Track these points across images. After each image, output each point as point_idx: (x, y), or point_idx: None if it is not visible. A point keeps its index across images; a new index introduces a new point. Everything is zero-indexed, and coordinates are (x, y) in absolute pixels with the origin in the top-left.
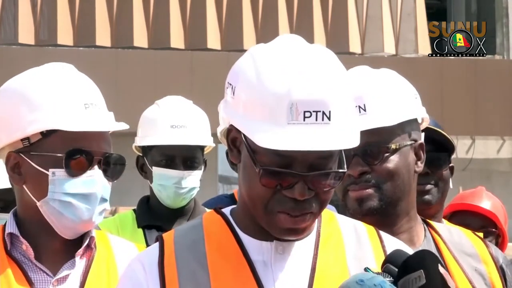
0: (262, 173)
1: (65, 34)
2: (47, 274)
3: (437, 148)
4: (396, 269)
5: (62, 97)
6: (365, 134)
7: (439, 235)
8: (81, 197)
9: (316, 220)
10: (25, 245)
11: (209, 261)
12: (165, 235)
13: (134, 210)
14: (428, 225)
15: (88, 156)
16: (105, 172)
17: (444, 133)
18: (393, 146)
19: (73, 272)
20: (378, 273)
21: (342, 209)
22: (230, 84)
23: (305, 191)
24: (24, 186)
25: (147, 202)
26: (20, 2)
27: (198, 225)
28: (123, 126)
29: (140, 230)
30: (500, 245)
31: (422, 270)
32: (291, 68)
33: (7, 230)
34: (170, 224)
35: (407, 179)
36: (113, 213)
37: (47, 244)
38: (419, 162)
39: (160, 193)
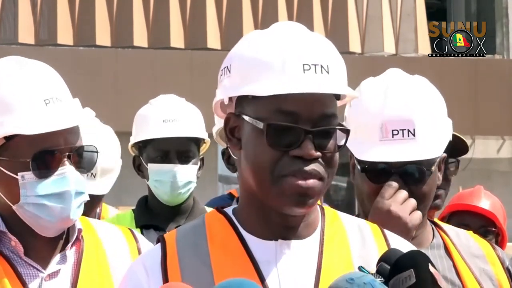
0: (268, 130)
1: (65, 34)
2: (37, 269)
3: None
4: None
5: (20, 98)
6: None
7: (447, 235)
8: (55, 197)
9: (320, 219)
10: (14, 241)
11: (213, 261)
12: (166, 236)
13: (133, 210)
14: (436, 225)
15: (54, 154)
16: (78, 165)
17: (460, 136)
18: (433, 169)
19: (64, 266)
20: (370, 273)
21: (344, 211)
22: (225, 67)
23: (313, 149)
24: None
25: (146, 202)
26: (20, 2)
27: (200, 225)
28: (86, 116)
29: (138, 230)
30: (500, 244)
31: (412, 270)
32: (286, 37)
33: None
34: (168, 223)
35: (433, 195)
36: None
37: (34, 240)
38: (440, 175)
39: (157, 190)
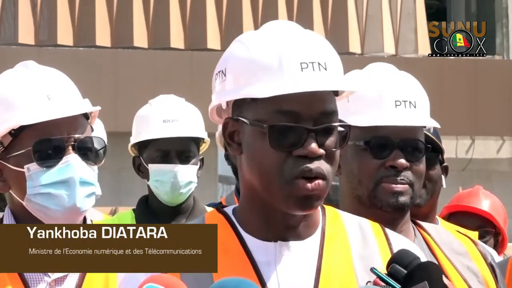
0: (271, 132)
1: (65, 34)
2: (44, 273)
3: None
4: (403, 269)
5: (23, 95)
6: (404, 130)
7: (428, 234)
8: (59, 185)
9: (321, 218)
10: None
11: None
12: None
13: (133, 210)
14: (416, 224)
15: (57, 143)
16: (85, 156)
17: (429, 134)
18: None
19: (72, 273)
20: (385, 274)
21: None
22: (220, 71)
23: (316, 146)
24: (11, 191)
25: (146, 201)
26: (20, 2)
27: None
28: (89, 108)
29: None
30: (500, 244)
31: (426, 282)
32: (281, 36)
33: None
34: (168, 223)
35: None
36: (113, 213)
37: None
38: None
39: (158, 190)
